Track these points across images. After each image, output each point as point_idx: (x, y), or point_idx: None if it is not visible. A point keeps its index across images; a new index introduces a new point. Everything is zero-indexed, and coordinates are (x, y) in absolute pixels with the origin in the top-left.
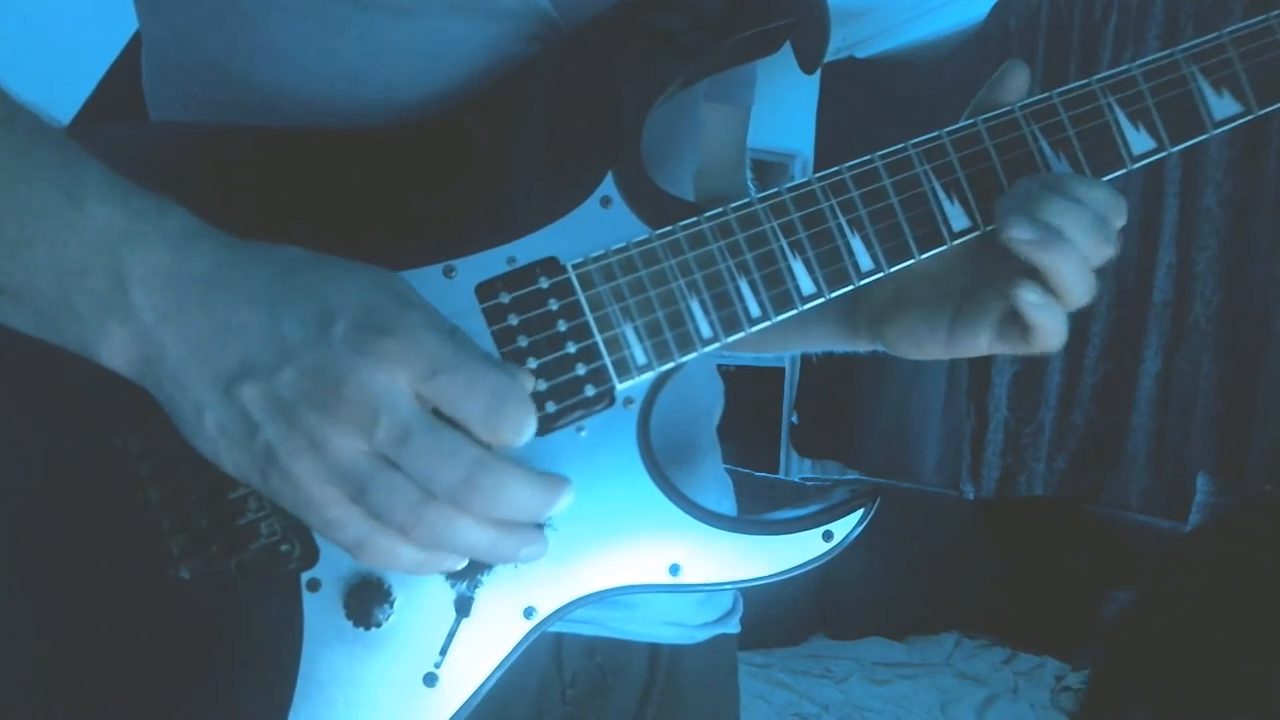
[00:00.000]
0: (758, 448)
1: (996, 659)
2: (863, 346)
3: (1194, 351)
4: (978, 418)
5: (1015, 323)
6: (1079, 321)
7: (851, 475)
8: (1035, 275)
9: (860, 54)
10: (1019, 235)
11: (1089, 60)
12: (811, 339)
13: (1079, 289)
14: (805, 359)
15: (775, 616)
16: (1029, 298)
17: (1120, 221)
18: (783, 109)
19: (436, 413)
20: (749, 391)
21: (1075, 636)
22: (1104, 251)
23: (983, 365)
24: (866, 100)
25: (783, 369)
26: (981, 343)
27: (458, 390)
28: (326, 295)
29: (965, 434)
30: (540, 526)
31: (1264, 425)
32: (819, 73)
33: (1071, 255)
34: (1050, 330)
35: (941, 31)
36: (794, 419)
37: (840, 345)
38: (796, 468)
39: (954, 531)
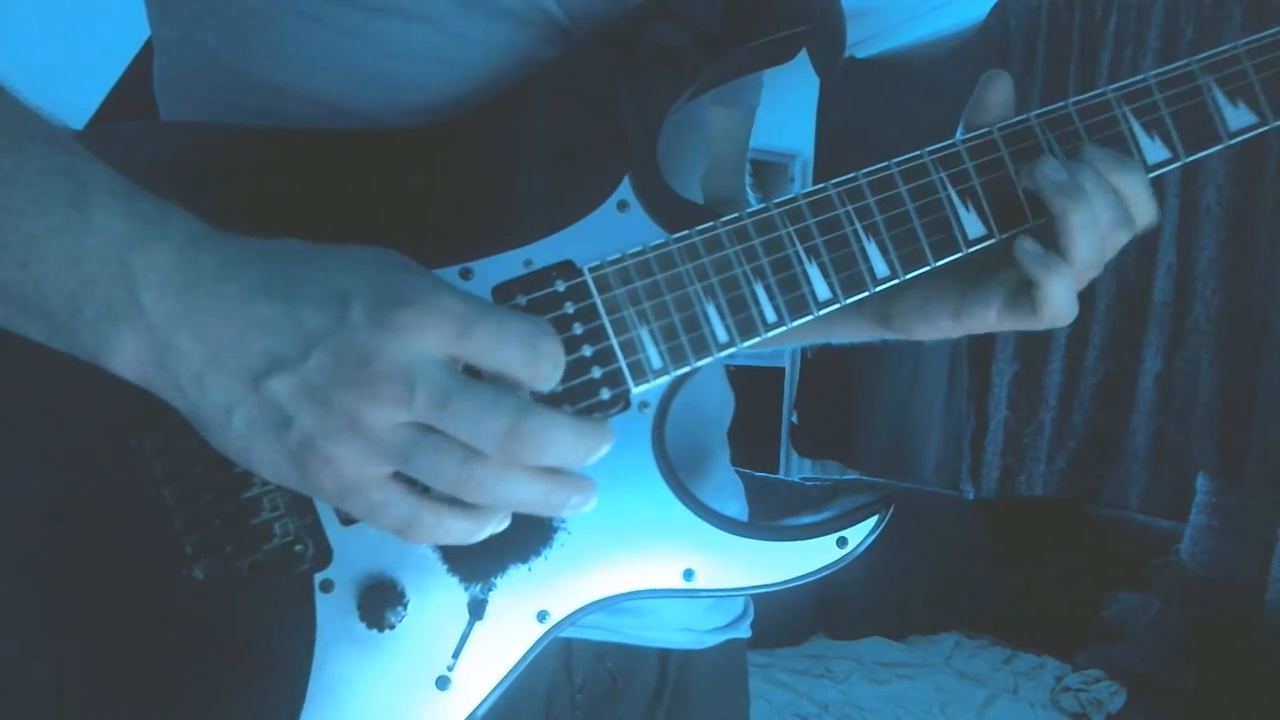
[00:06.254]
0: (758, 448)
1: (996, 659)
2: (865, 334)
3: (1194, 351)
4: (978, 418)
5: (1025, 294)
6: (1079, 321)
7: (851, 475)
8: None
9: (860, 54)
10: (1051, 174)
11: (1089, 60)
12: (818, 330)
13: (1086, 249)
14: (805, 359)
15: (775, 616)
16: (1027, 246)
17: (1144, 216)
18: (783, 109)
19: (467, 372)
20: (749, 391)
21: (1075, 636)
22: (1119, 234)
23: (983, 365)
24: (866, 100)
25: (783, 369)
26: (991, 315)
27: (491, 340)
28: (337, 278)
29: (965, 434)
30: (588, 479)
31: (1264, 425)
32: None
33: (1085, 210)
34: (1056, 297)
35: (941, 31)
36: (794, 419)
37: (846, 334)
38: (796, 468)
39: (954, 531)
